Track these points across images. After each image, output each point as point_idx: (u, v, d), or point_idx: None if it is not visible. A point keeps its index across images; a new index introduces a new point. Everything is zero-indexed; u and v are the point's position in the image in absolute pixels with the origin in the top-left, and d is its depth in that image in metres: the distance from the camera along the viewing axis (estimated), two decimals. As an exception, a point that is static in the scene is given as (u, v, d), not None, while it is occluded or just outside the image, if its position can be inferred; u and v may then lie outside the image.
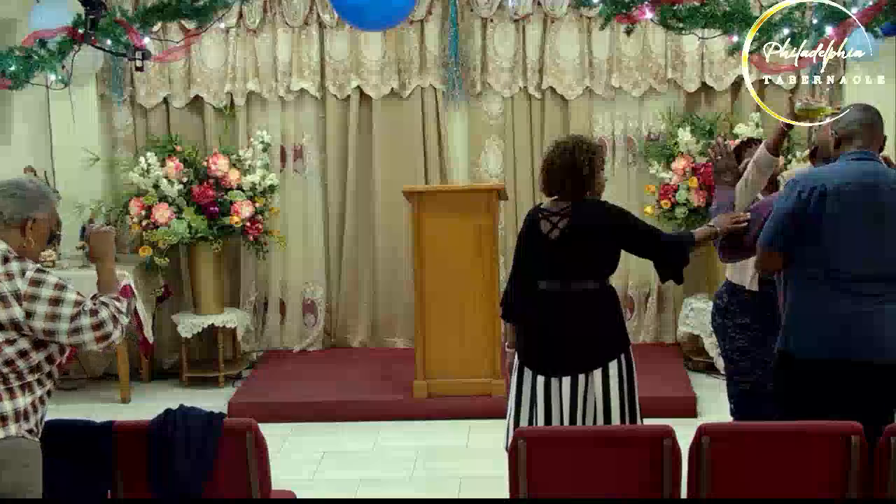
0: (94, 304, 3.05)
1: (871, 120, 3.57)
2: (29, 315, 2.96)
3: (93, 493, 3.33)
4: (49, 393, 3.13)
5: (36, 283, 2.99)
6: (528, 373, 3.86)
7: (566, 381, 3.76)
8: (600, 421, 3.74)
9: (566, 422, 3.73)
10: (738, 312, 4.22)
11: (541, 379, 3.81)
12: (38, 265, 3.07)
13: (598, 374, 3.75)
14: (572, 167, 3.76)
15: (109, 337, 3.05)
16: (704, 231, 3.91)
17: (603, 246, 3.78)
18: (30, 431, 3.02)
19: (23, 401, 3.00)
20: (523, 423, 3.83)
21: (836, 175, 3.49)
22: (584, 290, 3.78)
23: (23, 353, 2.99)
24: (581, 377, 3.75)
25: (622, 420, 3.76)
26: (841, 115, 3.66)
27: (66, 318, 2.98)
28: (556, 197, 3.85)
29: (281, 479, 3.69)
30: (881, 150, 3.65)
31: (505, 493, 3.29)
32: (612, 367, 3.77)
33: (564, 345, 3.78)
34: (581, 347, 3.77)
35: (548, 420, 3.78)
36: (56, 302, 2.99)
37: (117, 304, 3.11)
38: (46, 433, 3.25)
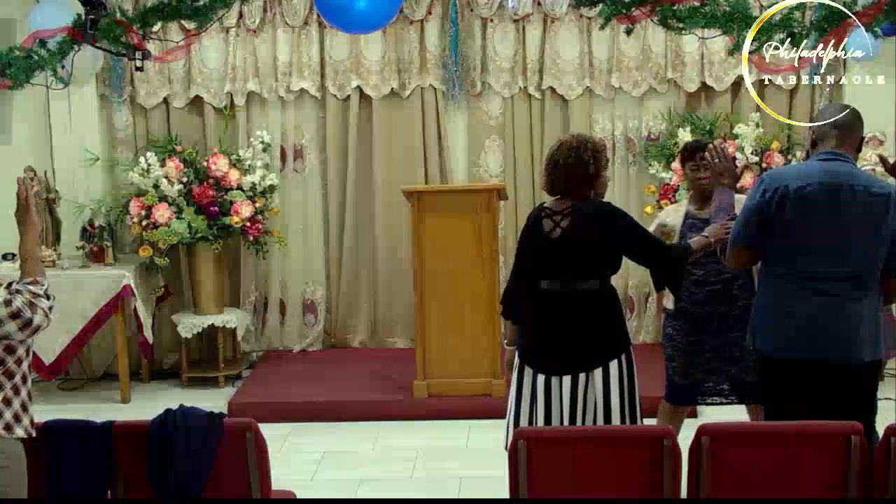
0: (9, 294, 3.00)
1: (846, 120, 3.57)
2: None
3: (93, 493, 3.33)
4: (24, 381, 3.08)
5: None
6: (528, 371, 3.86)
7: (566, 380, 3.75)
8: (600, 421, 3.73)
9: (566, 421, 3.73)
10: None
11: (541, 378, 3.81)
12: None
13: (598, 373, 3.75)
14: (575, 166, 3.76)
15: (31, 324, 3.00)
16: (699, 241, 3.94)
17: (603, 247, 3.78)
18: (6, 428, 2.99)
19: None
20: (523, 422, 3.82)
21: (800, 175, 3.52)
22: (585, 290, 3.77)
23: None
24: (581, 376, 3.75)
25: (622, 420, 3.76)
26: (818, 115, 3.68)
27: None
28: (559, 196, 3.84)
29: (281, 479, 3.69)
30: (859, 149, 3.66)
31: (505, 493, 3.29)
32: (613, 366, 3.77)
33: (565, 344, 3.78)
34: (582, 347, 3.77)
35: (548, 419, 3.78)
36: None
37: (32, 288, 3.04)
38: (46, 433, 3.25)
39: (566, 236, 3.76)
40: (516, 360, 3.94)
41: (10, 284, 3.06)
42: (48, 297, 3.07)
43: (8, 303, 2.98)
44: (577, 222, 3.75)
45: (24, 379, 3.09)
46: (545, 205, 3.89)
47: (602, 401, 3.74)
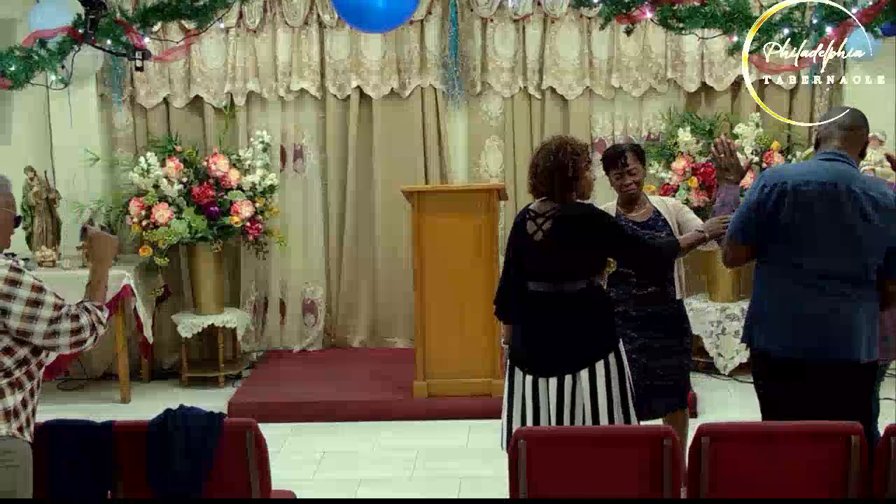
0: (77, 309, 3.02)
1: (850, 122, 3.58)
2: (4, 312, 2.92)
3: (93, 493, 3.33)
4: (38, 385, 3.10)
5: (12, 282, 2.94)
6: (518, 372, 3.86)
7: (552, 381, 3.75)
8: (588, 422, 3.71)
9: (553, 422, 3.73)
10: (623, 301, 4.34)
11: (529, 379, 3.81)
12: (12, 262, 3.00)
13: (584, 374, 3.73)
14: (556, 169, 3.75)
15: (84, 343, 3.03)
16: (693, 237, 3.92)
17: (586, 249, 3.76)
18: (20, 429, 2.99)
19: (12, 399, 2.97)
20: (515, 422, 3.82)
21: (800, 173, 3.54)
22: (571, 291, 3.76)
23: (7, 350, 2.96)
24: (567, 378, 3.73)
25: (611, 420, 3.74)
26: (825, 117, 3.71)
27: (44, 319, 2.95)
28: (543, 198, 3.84)
29: (281, 479, 3.69)
30: (863, 153, 3.66)
31: (505, 493, 3.30)
32: (599, 367, 3.74)
33: (551, 345, 3.78)
34: (567, 348, 3.76)
35: (536, 420, 3.77)
36: (35, 303, 2.95)
37: (99, 313, 3.08)
38: (46, 433, 3.24)
39: (548, 239, 3.76)
40: (507, 360, 3.94)
41: (80, 302, 3.08)
42: (105, 326, 3.11)
43: (75, 317, 3.00)
44: (559, 225, 3.75)
45: (38, 384, 3.11)
46: (530, 207, 3.89)
47: (589, 402, 3.72)
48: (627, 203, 4.42)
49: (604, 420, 3.72)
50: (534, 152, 3.90)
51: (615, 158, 4.40)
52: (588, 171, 3.84)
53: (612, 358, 3.78)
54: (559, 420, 3.72)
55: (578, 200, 3.82)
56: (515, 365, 3.88)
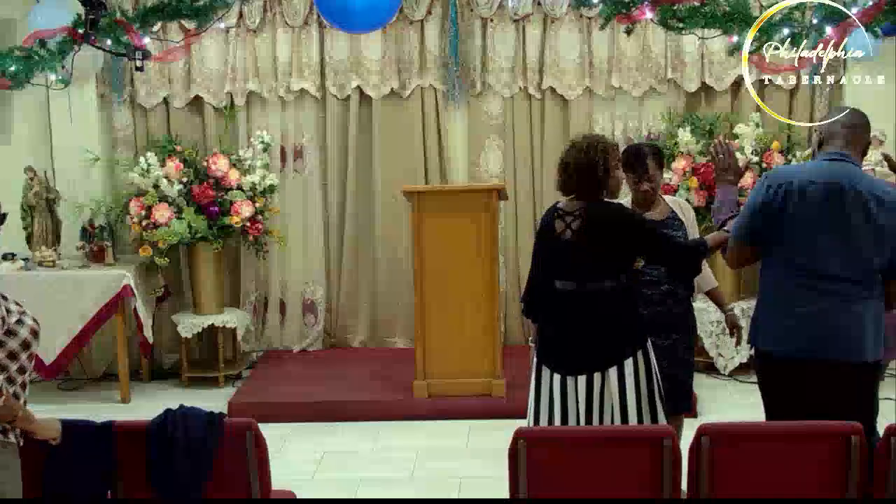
0: (27, 318, 3.01)
1: (853, 122, 3.58)
2: None
3: (93, 493, 3.33)
4: (23, 389, 3.07)
5: None
6: (545, 371, 3.85)
7: (581, 379, 3.74)
8: (617, 420, 3.71)
9: (582, 421, 3.72)
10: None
11: (557, 377, 3.80)
12: None
13: (613, 372, 3.73)
14: (586, 167, 3.74)
15: (14, 335, 2.97)
16: (718, 236, 3.91)
17: (614, 249, 3.75)
18: (3, 432, 2.98)
19: None
20: (542, 421, 3.82)
21: (805, 173, 3.54)
22: (598, 290, 3.75)
23: None
24: (596, 376, 3.73)
25: (640, 419, 3.73)
26: (826, 117, 3.71)
27: None
28: (572, 196, 3.84)
29: (281, 479, 3.69)
30: (864, 153, 3.66)
31: (505, 493, 3.29)
32: (628, 365, 3.74)
33: (579, 344, 3.77)
34: (596, 346, 3.76)
35: (564, 419, 3.76)
36: None
37: (34, 345, 3.04)
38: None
39: (577, 238, 3.75)
40: (534, 359, 3.93)
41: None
42: (30, 359, 3.06)
43: (21, 322, 2.99)
44: (588, 224, 3.74)
45: (23, 386, 3.09)
46: (558, 205, 3.88)
47: (618, 400, 3.72)
48: (640, 205, 4.38)
49: (633, 418, 3.72)
50: (563, 150, 3.89)
51: (635, 164, 4.32)
52: (617, 169, 3.83)
53: (640, 356, 3.78)
54: (588, 419, 3.72)
55: (607, 199, 3.82)
56: (543, 363, 3.87)
